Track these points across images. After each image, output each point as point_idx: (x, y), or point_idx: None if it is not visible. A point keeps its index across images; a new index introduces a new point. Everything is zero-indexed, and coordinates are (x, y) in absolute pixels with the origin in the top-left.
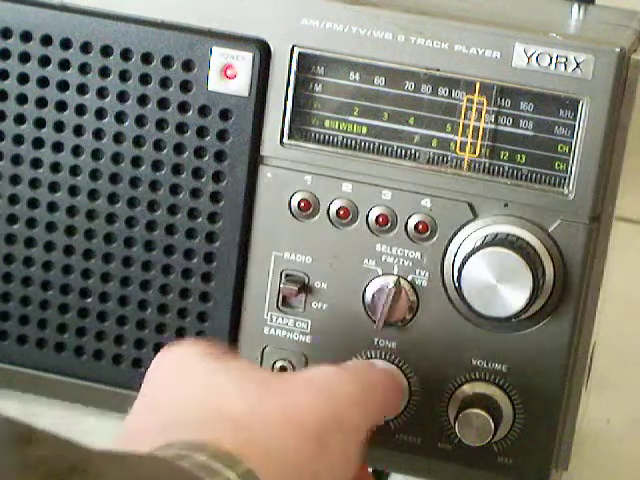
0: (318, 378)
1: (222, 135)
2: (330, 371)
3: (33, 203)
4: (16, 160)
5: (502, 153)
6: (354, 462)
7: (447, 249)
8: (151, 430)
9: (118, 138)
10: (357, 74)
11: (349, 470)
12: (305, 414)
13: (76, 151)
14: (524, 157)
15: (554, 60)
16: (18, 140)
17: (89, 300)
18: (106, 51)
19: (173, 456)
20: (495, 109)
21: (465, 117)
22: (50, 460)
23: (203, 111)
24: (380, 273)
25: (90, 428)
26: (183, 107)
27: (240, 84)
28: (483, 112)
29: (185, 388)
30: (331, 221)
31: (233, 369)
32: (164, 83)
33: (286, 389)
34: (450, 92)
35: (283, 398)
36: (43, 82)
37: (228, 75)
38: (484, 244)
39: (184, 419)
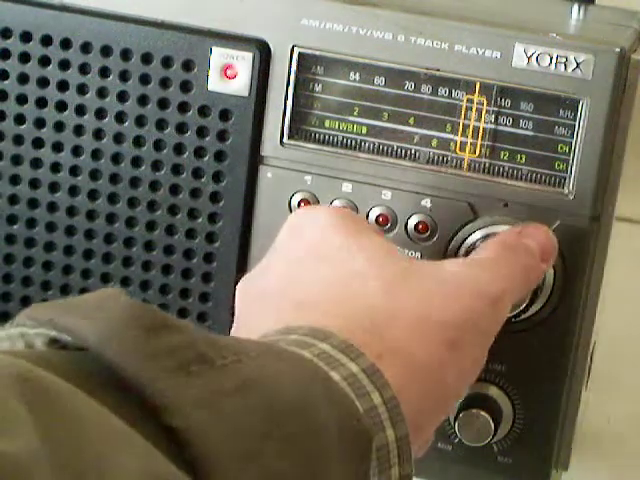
0: (456, 278)
1: (222, 135)
2: (470, 272)
3: (33, 203)
4: (16, 160)
5: (502, 153)
6: (480, 366)
7: (447, 249)
8: (281, 305)
9: (118, 138)
10: (357, 74)
11: (475, 374)
12: (441, 318)
13: (76, 151)
14: (524, 157)
15: (554, 60)
16: (18, 140)
17: None
18: (106, 51)
19: (297, 342)
20: (495, 109)
21: (465, 117)
22: (177, 349)
23: (203, 111)
24: None
25: None
26: (183, 107)
27: (240, 84)
28: (483, 112)
29: (322, 267)
30: None
31: (374, 250)
32: (164, 83)
33: (426, 287)
34: (450, 92)
35: (421, 298)
36: (43, 82)
37: (228, 75)
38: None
39: (318, 300)
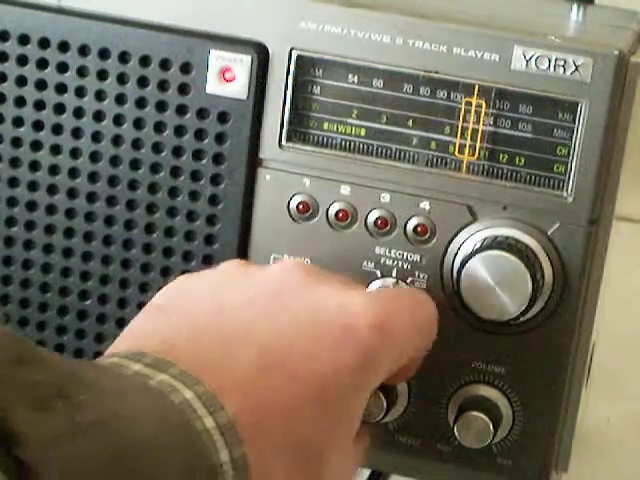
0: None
1: (220, 138)
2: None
3: (32, 206)
4: (14, 163)
5: (501, 156)
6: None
7: (446, 252)
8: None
9: (116, 141)
10: (355, 77)
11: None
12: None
13: (74, 154)
14: (523, 160)
15: (553, 63)
16: (16, 143)
17: (88, 302)
18: (104, 54)
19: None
20: (494, 112)
21: (464, 120)
22: (40, 385)
23: (201, 114)
24: (379, 275)
25: None
26: (181, 110)
27: (238, 87)
28: (482, 115)
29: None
30: (330, 224)
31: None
32: (162, 86)
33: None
34: (449, 95)
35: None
36: (41, 85)
37: (226, 78)
38: (483, 247)
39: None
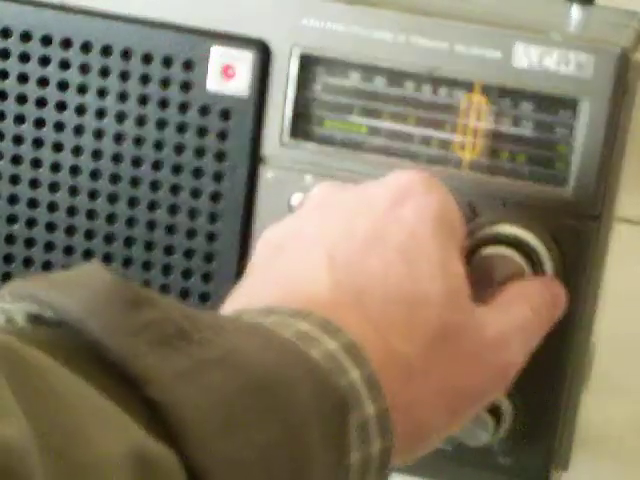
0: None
1: (222, 135)
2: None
3: (33, 203)
4: (16, 160)
5: (502, 153)
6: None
7: None
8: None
9: (118, 138)
10: (357, 74)
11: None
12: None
13: (76, 151)
14: (524, 157)
15: (554, 60)
16: (18, 140)
17: None
18: (106, 51)
19: (277, 322)
20: (495, 109)
21: (465, 117)
22: (157, 324)
23: (203, 111)
24: None
25: None
26: (183, 107)
27: (240, 84)
28: (483, 112)
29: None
30: None
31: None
32: (164, 83)
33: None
34: (450, 92)
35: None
36: (43, 82)
37: (228, 75)
38: (484, 244)
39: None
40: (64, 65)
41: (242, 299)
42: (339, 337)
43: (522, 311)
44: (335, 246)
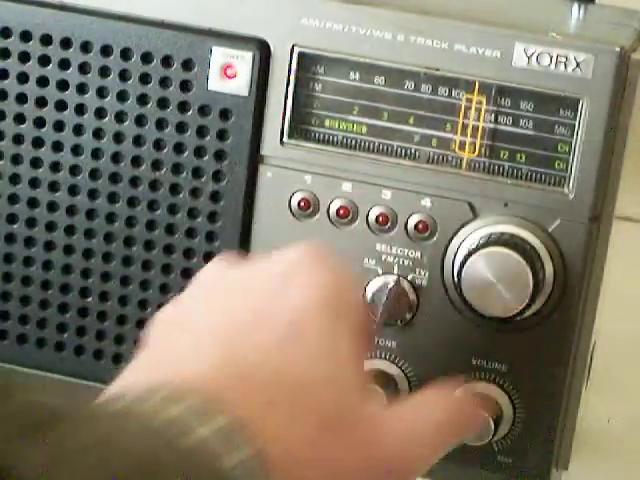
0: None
1: (222, 134)
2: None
3: (33, 203)
4: (16, 160)
5: (502, 152)
6: None
7: (447, 249)
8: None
9: (118, 138)
10: (357, 73)
11: None
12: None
13: (76, 151)
14: (524, 156)
15: (554, 59)
16: (18, 140)
17: (89, 300)
18: (106, 50)
19: (150, 410)
20: (495, 108)
21: (465, 116)
22: (20, 415)
23: (203, 111)
24: (380, 272)
25: None
26: (183, 106)
27: (240, 84)
28: (483, 111)
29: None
30: (331, 220)
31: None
32: (164, 82)
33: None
34: (450, 91)
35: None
36: (43, 81)
37: (228, 75)
38: (484, 244)
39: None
40: (64, 65)
41: (130, 377)
42: (218, 420)
43: (433, 413)
44: (217, 327)
